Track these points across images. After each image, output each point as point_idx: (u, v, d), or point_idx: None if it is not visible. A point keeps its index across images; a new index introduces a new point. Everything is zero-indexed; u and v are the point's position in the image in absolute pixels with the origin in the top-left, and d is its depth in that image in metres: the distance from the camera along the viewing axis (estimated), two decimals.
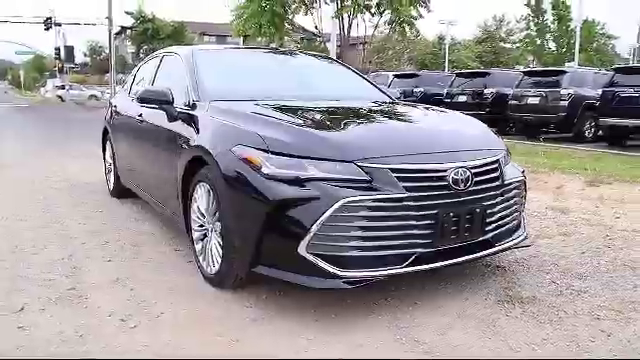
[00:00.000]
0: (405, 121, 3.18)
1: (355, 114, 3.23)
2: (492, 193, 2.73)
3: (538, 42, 30.69)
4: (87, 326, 2.44)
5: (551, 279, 3.09)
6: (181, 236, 3.86)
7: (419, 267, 2.48)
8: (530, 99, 12.88)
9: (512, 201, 2.92)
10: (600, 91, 11.54)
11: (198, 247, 3.05)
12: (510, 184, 2.88)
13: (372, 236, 2.39)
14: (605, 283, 3.04)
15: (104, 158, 5.65)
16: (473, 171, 2.63)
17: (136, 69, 5.20)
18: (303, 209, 2.34)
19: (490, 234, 2.75)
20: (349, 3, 11.93)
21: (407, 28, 11.49)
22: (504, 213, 2.84)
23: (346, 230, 2.35)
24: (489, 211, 2.70)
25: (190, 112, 3.27)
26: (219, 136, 2.80)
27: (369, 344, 2.30)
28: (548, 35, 29.94)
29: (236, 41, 59.48)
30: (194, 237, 3.09)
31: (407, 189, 2.42)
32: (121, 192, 5.13)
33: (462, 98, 15.06)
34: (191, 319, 2.53)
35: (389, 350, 2.25)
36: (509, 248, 2.91)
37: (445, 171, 2.54)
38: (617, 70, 11.85)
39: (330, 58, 4.70)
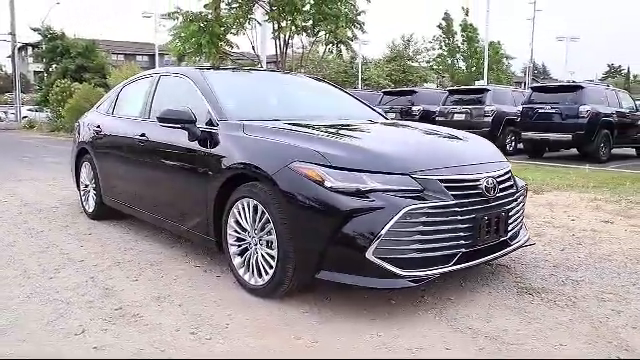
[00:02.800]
0: (436, 138, 3.52)
1: (383, 131, 3.57)
2: (510, 199, 3.12)
3: (449, 61, 32.91)
4: (163, 342, 2.49)
5: (549, 272, 3.53)
6: (192, 253, 3.93)
7: (464, 264, 2.80)
8: (456, 115, 13.89)
9: (521, 205, 3.33)
10: (520, 107, 12.69)
11: (237, 261, 3.16)
12: (519, 191, 3.29)
13: (427, 239, 2.68)
14: (595, 273, 3.53)
15: (77, 181, 5.49)
16: (498, 180, 3.00)
17: (118, 89, 5.14)
18: (370, 218, 2.57)
19: (509, 234, 3.13)
20: (284, 25, 12.22)
21: (344, 48, 12.05)
22: (517, 216, 3.25)
23: (407, 235, 2.62)
24: (510, 214, 3.09)
25: (216, 131, 3.38)
26: (269, 153, 2.95)
27: (432, 334, 2.57)
28: (458, 55, 32.23)
29: (145, 60, 57.91)
30: (231, 251, 3.20)
31: (454, 197, 2.74)
32: (103, 214, 5.04)
33: (391, 115, 15.85)
34: (258, 327, 2.65)
35: (453, 337, 2.53)
36: (520, 246, 3.31)
37: (479, 180, 2.89)
38: (534, 89, 13.13)
39: (321, 79, 4.96)
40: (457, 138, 3.48)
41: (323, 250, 2.66)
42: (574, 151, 12.57)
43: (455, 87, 18.06)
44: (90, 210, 5.18)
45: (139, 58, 61.50)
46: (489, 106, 13.35)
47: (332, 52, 11.83)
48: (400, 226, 2.58)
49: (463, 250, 2.81)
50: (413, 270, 2.65)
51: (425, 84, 38.37)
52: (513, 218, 3.17)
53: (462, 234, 2.78)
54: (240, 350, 2.41)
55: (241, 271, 3.14)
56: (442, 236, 2.72)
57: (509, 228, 3.11)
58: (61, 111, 21.86)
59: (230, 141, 3.26)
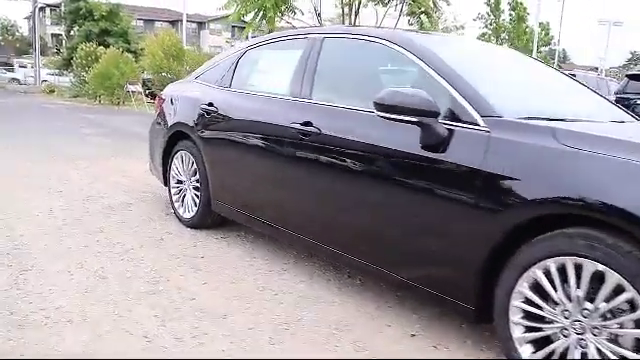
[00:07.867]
0: None
1: None
2: None
3: (494, 41, 31.16)
4: None
5: None
6: (381, 300, 2.66)
7: None
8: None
9: None
10: (612, 97, 11.21)
11: (529, 351, 1.88)
12: None
13: None
14: None
15: (164, 173, 4.18)
16: None
17: (237, 53, 3.76)
18: None
19: None
20: None
21: (426, 19, 10.57)
22: None
23: None
24: None
25: (479, 132, 2.06)
26: None
27: None
28: (503, 35, 30.42)
29: (164, 26, 56.06)
30: (516, 335, 1.92)
31: None
32: (207, 223, 3.77)
33: None
34: None
35: None
36: None
37: None
38: (630, 77, 11.61)
39: (536, 58, 3.63)
40: None
41: None
42: None
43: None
44: (188, 216, 3.88)
45: (157, 24, 59.63)
46: None
47: (412, 24, 10.36)
48: None
49: None
50: None
51: None
52: None
53: None
54: None
55: None
56: None
57: None
58: (85, 76, 20.42)
59: (522, 154, 1.94)
